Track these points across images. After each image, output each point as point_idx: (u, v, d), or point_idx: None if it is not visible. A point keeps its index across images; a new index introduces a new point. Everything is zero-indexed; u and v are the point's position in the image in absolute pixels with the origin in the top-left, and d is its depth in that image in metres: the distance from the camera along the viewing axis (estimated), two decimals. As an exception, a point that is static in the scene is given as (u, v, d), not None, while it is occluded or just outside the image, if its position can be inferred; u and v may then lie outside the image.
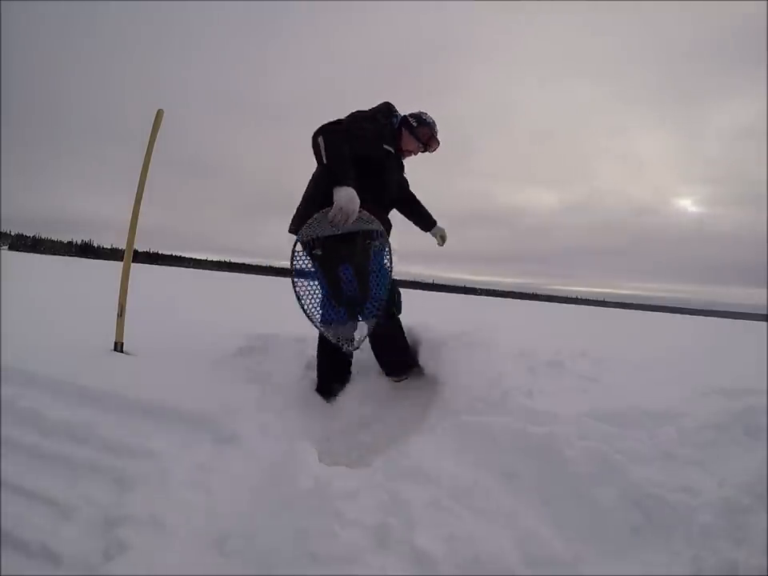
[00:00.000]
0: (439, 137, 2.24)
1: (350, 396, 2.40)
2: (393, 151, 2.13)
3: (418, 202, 2.50)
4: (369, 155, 1.99)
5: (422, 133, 2.20)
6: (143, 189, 2.07)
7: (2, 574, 1.00)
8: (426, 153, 2.30)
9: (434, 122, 2.23)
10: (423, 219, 2.50)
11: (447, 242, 2.56)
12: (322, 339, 2.15)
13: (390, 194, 2.18)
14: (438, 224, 2.52)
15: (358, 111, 2.04)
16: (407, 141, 2.20)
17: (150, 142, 2.10)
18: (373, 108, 2.12)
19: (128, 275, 2.03)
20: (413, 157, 2.29)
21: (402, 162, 2.28)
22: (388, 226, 2.17)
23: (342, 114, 1.99)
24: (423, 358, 2.35)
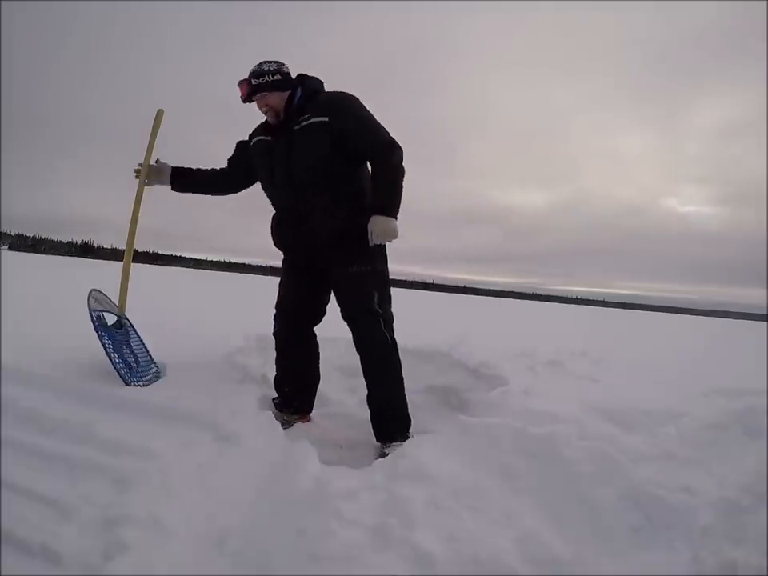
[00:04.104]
0: (243, 78, 1.81)
1: (351, 396, 2.40)
2: (267, 137, 1.87)
3: (375, 173, 1.77)
4: (247, 161, 1.99)
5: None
6: (143, 188, 2.07)
7: (2, 574, 1.00)
8: (258, 99, 1.81)
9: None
10: (372, 197, 1.77)
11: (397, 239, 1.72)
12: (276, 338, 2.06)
13: (283, 175, 1.82)
14: (386, 215, 1.68)
15: None
16: (260, 109, 1.84)
17: (150, 142, 2.08)
18: None
19: (128, 275, 2.03)
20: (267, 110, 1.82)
21: (304, 137, 1.76)
22: (313, 204, 1.78)
23: None
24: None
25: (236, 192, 2.18)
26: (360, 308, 1.83)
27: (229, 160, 2.12)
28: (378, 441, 1.83)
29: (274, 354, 2.12)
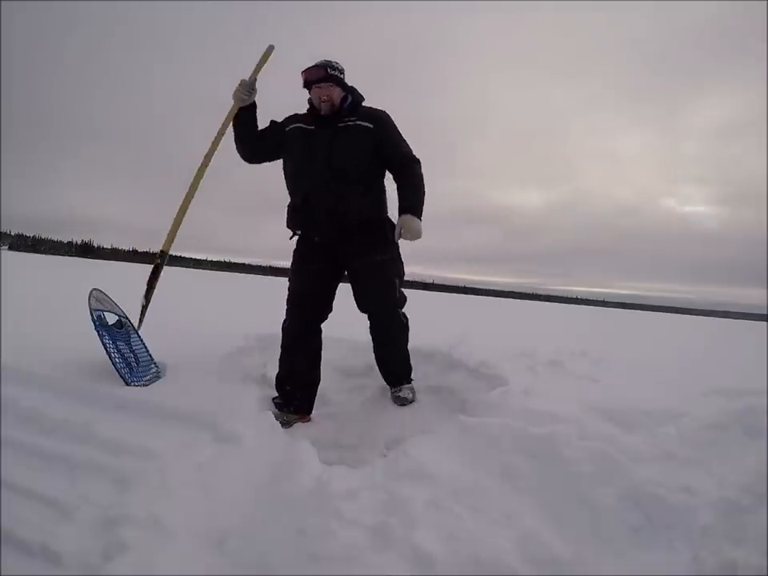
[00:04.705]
0: (310, 65, 1.98)
1: (351, 396, 2.40)
2: (310, 126, 2.02)
3: (404, 180, 2.05)
4: (277, 140, 2.10)
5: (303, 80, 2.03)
6: (240, 101, 2.01)
7: (2, 574, 1.00)
8: (323, 87, 1.97)
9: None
10: (399, 200, 2.03)
11: (420, 239, 1.97)
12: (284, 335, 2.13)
13: (323, 164, 1.96)
14: (413, 215, 1.95)
15: None
16: (313, 97, 2.02)
17: (256, 67, 2.05)
18: None
19: (187, 208, 2.09)
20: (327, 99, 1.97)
21: (349, 134, 1.98)
22: (345, 199, 1.96)
23: None
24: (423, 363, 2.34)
25: (258, 161, 2.20)
26: (381, 300, 2.08)
27: (261, 131, 2.15)
28: (388, 384, 2.26)
29: (275, 353, 2.12)
